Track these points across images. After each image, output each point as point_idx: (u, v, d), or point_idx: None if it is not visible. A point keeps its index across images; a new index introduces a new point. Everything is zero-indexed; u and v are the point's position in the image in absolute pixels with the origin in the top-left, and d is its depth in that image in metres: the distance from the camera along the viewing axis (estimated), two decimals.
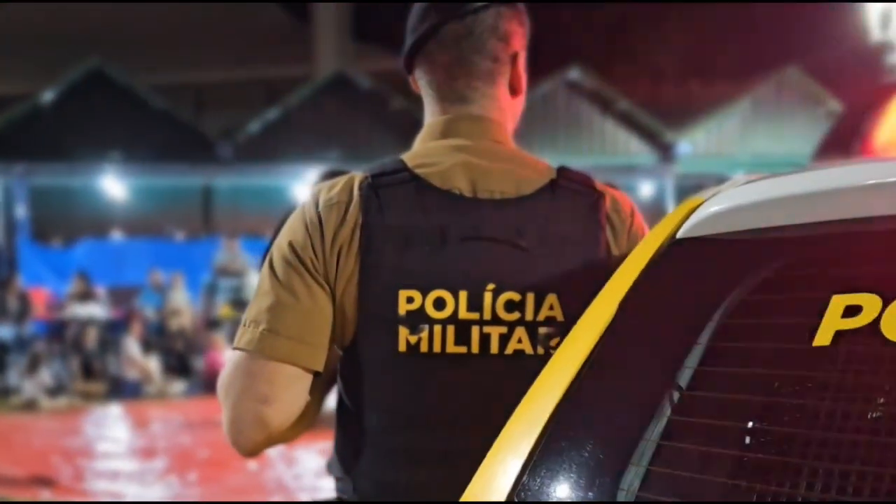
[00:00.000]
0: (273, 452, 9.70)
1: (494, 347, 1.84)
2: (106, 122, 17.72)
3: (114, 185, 19.81)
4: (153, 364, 13.95)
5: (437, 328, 1.83)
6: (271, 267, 1.90)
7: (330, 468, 2.00)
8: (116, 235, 20.15)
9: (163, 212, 21.69)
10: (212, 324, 15.76)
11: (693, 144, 21.03)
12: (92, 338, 14.39)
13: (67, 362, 14.09)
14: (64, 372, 14.11)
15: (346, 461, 1.93)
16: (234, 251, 16.40)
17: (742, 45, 35.66)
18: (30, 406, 12.72)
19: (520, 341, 1.84)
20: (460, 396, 1.85)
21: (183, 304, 15.73)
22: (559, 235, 1.87)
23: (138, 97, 17.90)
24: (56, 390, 13.28)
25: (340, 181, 1.92)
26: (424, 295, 1.82)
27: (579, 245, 1.88)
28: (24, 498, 8.05)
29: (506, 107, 2.05)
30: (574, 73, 18.96)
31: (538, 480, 1.30)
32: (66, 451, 9.89)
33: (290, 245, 1.88)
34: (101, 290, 16.63)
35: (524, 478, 1.31)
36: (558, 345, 1.83)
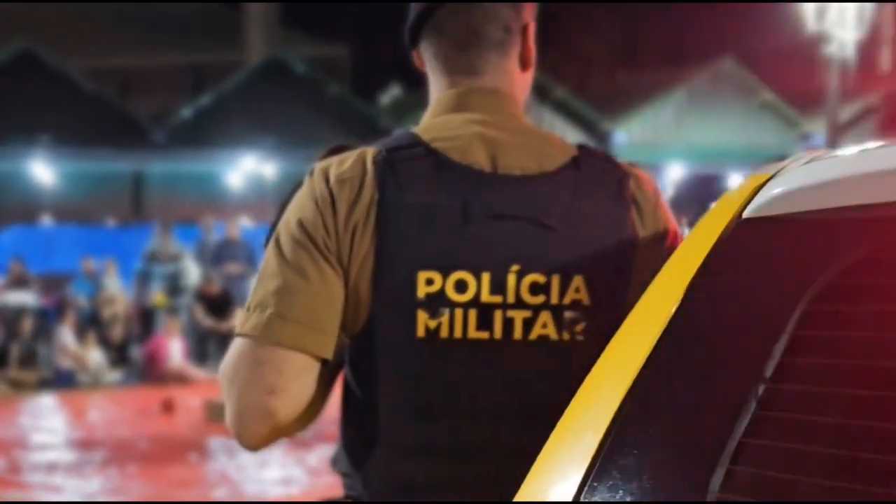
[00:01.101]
0: (213, 443, 9.55)
1: (518, 333, 1.74)
2: (35, 105, 17.30)
3: (43, 170, 19.37)
4: (93, 353, 13.64)
5: (458, 312, 1.72)
6: (278, 247, 1.77)
7: (335, 463, 1.89)
8: (46, 221, 19.72)
9: (93, 198, 21.29)
10: (146, 312, 15.49)
11: (629, 134, 21.11)
12: (26, 326, 14.04)
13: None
14: None
15: (354, 456, 1.82)
16: (167, 238, 16.12)
17: (675, 33, 35.95)
18: None
19: (545, 326, 1.75)
20: (483, 385, 1.75)
21: (116, 292, 15.42)
22: (585, 214, 1.78)
23: (68, 80, 17.49)
24: None
25: (351, 156, 1.80)
26: (445, 277, 1.72)
27: (605, 225, 1.79)
28: None
29: (517, 80, 1.95)
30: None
31: (609, 481, 1.19)
32: (1, 443, 9.62)
33: (300, 223, 1.76)
34: (31, 276, 16.27)
35: (591, 478, 1.21)
36: (584, 330, 1.75)
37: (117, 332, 14.61)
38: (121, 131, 17.65)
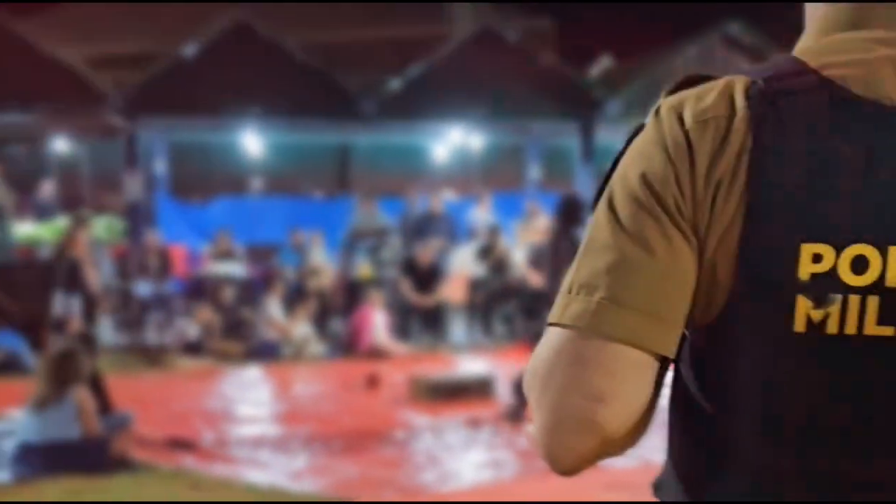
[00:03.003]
0: (419, 421, 9.19)
1: None
2: (248, 76, 17.39)
3: (252, 141, 19.57)
4: (299, 325, 13.55)
5: (854, 300, 1.22)
6: (612, 210, 1.29)
7: (660, 490, 1.39)
8: (254, 193, 19.93)
9: (300, 169, 21.45)
10: (351, 285, 15.36)
11: None
12: (228, 295, 14.07)
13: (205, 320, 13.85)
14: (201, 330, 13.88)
15: (694, 483, 1.34)
16: (371, 211, 15.95)
17: None
18: (166, 362, 12.46)
19: None
20: (890, 401, 1.23)
21: (322, 264, 15.35)
22: None
23: (282, 51, 17.50)
24: (194, 348, 13.00)
25: (713, 88, 1.31)
26: (838, 251, 1.22)
27: None
28: (166, 463, 7.66)
29: None
30: (733, 28, 17.93)
31: None
32: (208, 415, 9.51)
33: (643, 179, 1.28)
34: (238, 247, 16.40)
35: None
36: None
37: (322, 305, 14.51)
38: (330, 103, 17.56)
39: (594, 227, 1.30)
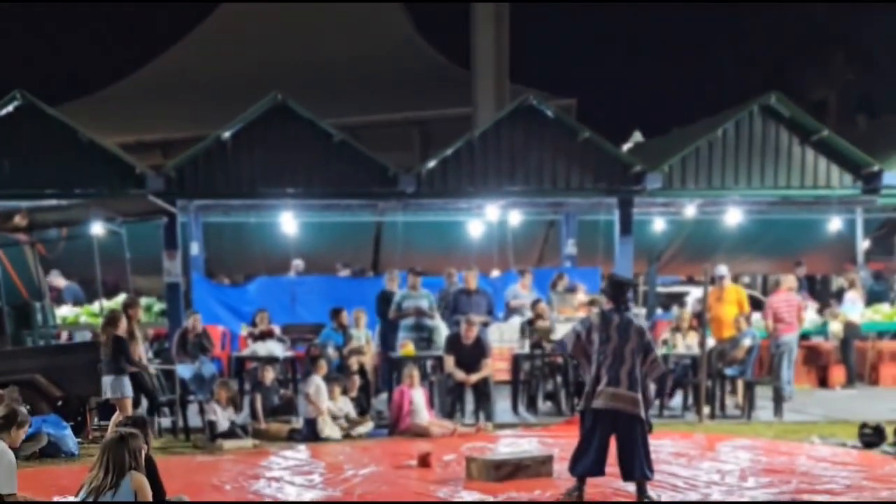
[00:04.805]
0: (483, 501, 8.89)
1: None
2: (286, 155, 17.43)
3: (290, 221, 19.54)
4: (342, 404, 13.35)
5: None
6: None
7: None
8: (293, 272, 19.81)
9: (335, 247, 21.34)
10: (392, 362, 15.16)
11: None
12: (271, 376, 13.91)
13: (249, 401, 13.67)
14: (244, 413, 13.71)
15: None
16: (416, 289, 15.78)
17: None
18: (211, 444, 12.26)
19: None
20: None
21: (365, 342, 15.18)
22: None
23: (319, 129, 17.53)
24: (237, 430, 12.79)
25: None
26: None
27: None
28: None
29: None
30: (771, 100, 17.82)
31: None
32: (261, 500, 9.27)
33: None
34: (276, 327, 16.25)
35: None
36: None
37: (364, 383, 14.31)
38: (369, 182, 17.55)
39: None
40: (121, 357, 11.66)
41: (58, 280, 18.87)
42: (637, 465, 8.83)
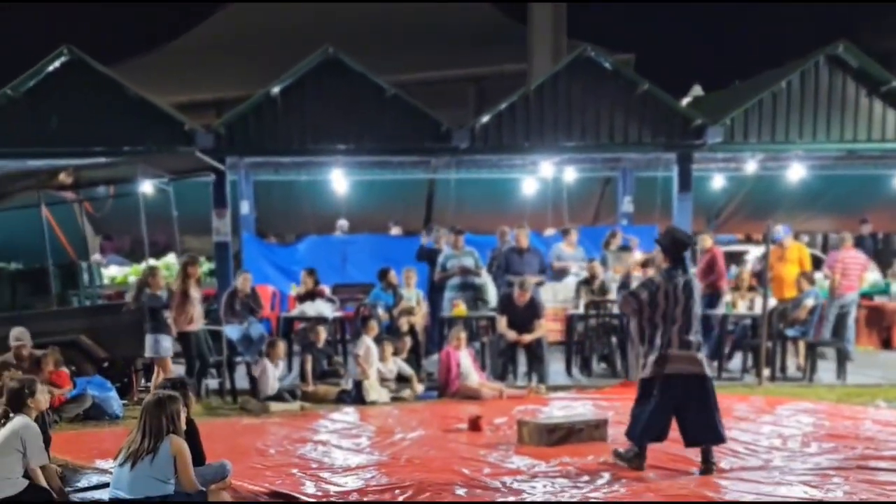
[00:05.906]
0: (536, 466, 8.59)
1: None
2: (337, 111, 17.13)
3: (340, 179, 19.28)
4: (391, 365, 13.10)
5: None
6: None
7: None
8: (338, 232, 19.57)
9: (386, 206, 21.06)
10: (442, 322, 14.88)
11: None
12: (322, 337, 13.64)
13: (300, 362, 13.46)
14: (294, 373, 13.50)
15: None
16: (460, 247, 15.44)
17: None
18: (257, 407, 12.05)
19: None
20: None
21: (416, 302, 14.88)
22: None
23: (371, 84, 17.18)
24: (286, 391, 12.58)
25: None
26: None
27: None
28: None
29: None
30: (838, 49, 17.18)
31: None
32: (307, 464, 9.01)
33: None
34: (326, 287, 16.00)
35: None
36: None
37: (414, 344, 14.03)
38: (421, 136, 17.21)
39: None
40: (158, 316, 11.53)
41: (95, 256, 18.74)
42: (711, 429, 8.43)
